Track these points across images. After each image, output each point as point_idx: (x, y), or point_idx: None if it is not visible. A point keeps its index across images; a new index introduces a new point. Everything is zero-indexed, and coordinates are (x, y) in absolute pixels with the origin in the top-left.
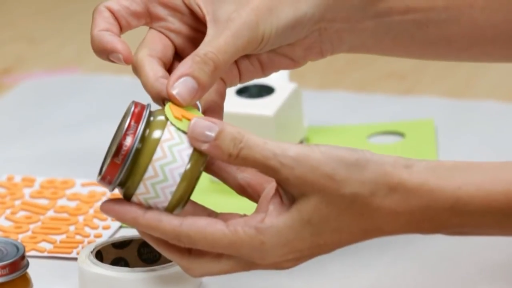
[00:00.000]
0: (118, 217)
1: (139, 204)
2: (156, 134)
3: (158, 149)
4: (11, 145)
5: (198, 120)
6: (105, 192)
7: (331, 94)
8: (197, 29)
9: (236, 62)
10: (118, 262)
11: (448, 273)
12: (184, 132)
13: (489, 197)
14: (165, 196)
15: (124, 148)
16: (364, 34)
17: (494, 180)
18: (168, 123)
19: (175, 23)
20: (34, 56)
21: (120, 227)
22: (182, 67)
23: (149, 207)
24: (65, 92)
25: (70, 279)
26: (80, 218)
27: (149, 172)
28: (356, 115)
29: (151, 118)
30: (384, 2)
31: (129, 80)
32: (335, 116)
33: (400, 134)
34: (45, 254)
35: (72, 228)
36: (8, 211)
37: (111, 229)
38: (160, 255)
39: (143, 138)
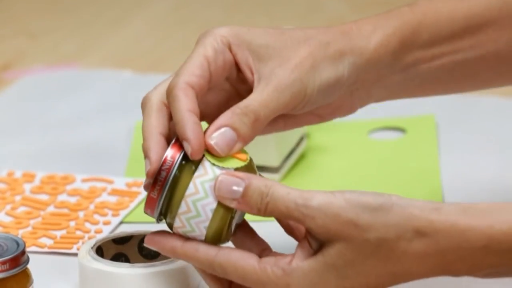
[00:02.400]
0: (158, 248)
1: (180, 235)
2: (190, 169)
3: (191, 185)
4: (11, 141)
5: (224, 177)
6: (106, 188)
7: None
8: (235, 87)
9: None
10: (118, 257)
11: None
12: (219, 167)
13: None
14: (200, 231)
15: (159, 183)
16: (392, 86)
17: None
18: (204, 157)
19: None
20: (34, 51)
21: (121, 222)
22: (222, 118)
23: (188, 238)
24: (65, 88)
25: (70, 274)
26: (81, 214)
27: (183, 207)
28: (357, 110)
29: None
30: (411, 54)
31: (129, 75)
32: None
33: (401, 130)
34: (46, 249)
35: (72, 223)
36: (8, 207)
37: (111, 225)
38: None
39: (176, 175)
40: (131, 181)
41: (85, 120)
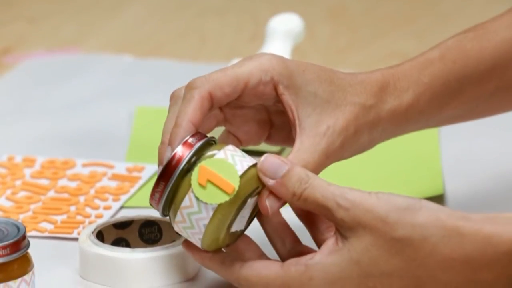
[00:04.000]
0: (191, 253)
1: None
2: (188, 181)
3: (186, 198)
4: (12, 125)
5: (269, 156)
6: (106, 173)
7: None
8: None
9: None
10: (119, 242)
11: None
12: (203, 202)
13: None
14: (195, 240)
15: (160, 187)
16: (412, 129)
17: None
18: (190, 189)
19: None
20: (35, 35)
21: (121, 207)
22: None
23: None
24: (66, 72)
25: (70, 259)
26: (81, 198)
27: (178, 217)
28: None
29: (185, 168)
30: (438, 109)
31: (129, 60)
32: None
33: None
34: (46, 234)
35: (73, 208)
36: (8, 191)
37: (112, 210)
38: (160, 235)
39: (176, 183)
40: (132, 166)
41: (85, 104)
